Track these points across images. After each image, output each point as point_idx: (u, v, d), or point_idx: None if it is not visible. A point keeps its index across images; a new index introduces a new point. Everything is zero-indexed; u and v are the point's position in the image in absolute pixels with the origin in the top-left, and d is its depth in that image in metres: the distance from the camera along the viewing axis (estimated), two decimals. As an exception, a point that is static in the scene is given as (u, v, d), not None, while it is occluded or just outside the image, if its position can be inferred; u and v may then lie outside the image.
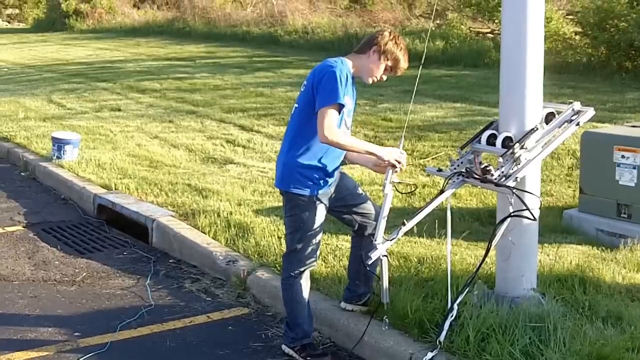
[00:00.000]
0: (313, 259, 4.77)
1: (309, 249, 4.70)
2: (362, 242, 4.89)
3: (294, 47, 23.46)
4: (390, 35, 4.68)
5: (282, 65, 19.08)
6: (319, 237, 4.74)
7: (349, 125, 4.69)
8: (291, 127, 4.71)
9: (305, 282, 4.80)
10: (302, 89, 4.66)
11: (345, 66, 4.55)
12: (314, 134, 4.52)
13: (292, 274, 4.77)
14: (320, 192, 4.65)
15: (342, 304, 5.13)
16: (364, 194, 4.94)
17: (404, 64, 4.69)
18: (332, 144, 4.49)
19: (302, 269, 4.75)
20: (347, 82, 4.50)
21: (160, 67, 19.52)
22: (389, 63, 4.65)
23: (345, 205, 4.85)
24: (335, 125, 4.43)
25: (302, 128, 4.61)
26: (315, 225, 4.68)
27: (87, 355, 4.79)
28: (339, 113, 4.48)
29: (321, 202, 4.68)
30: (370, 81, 4.71)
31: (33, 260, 6.57)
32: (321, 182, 4.64)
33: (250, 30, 26.38)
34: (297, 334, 4.82)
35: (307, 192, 4.62)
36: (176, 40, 27.01)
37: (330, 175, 4.68)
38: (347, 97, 4.53)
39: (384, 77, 4.72)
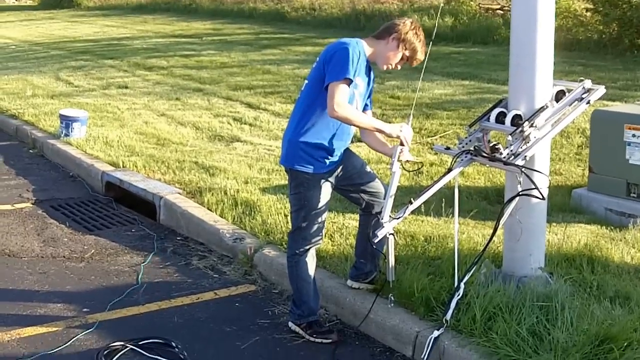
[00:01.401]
0: (318, 237, 4.77)
1: (314, 227, 4.70)
2: (370, 220, 4.87)
3: (301, 24, 23.37)
4: (411, 25, 4.65)
5: (289, 43, 19.01)
6: (324, 215, 4.73)
7: (360, 107, 4.65)
8: (299, 104, 4.69)
9: (310, 260, 4.80)
10: (313, 66, 4.64)
11: (359, 46, 4.52)
12: (321, 112, 4.51)
13: (298, 252, 4.77)
14: (325, 170, 4.65)
15: (349, 282, 5.13)
16: (371, 172, 4.93)
17: (420, 55, 4.67)
18: (340, 119, 4.47)
19: (307, 247, 4.76)
20: (359, 61, 4.47)
21: (166, 45, 19.48)
22: (407, 52, 4.63)
23: (353, 184, 4.84)
24: (344, 100, 4.41)
25: (310, 105, 4.60)
26: (320, 204, 4.67)
27: (96, 331, 4.81)
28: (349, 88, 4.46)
29: (326, 180, 4.68)
30: (385, 67, 4.69)
31: (42, 236, 6.58)
32: (326, 160, 4.63)
33: (257, 6, 26.27)
34: (303, 311, 4.84)
35: (311, 169, 4.61)
36: (183, 17, 26.94)
37: (336, 153, 4.67)
38: (359, 78, 4.52)
39: (399, 66, 4.69)
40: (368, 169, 4.92)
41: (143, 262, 6.01)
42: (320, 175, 4.65)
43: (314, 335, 4.78)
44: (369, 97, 4.77)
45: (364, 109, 4.75)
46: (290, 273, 4.86)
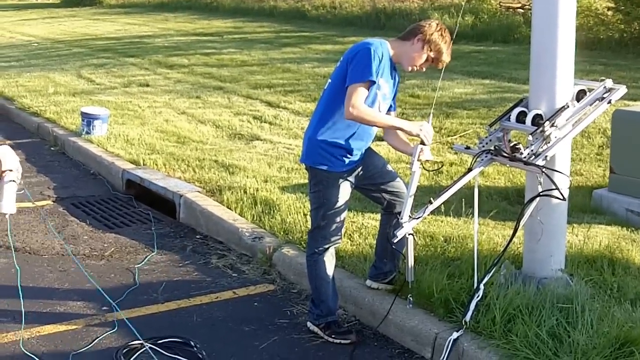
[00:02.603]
0: (337, 237, 4.77)
1: (333, 226, 4.70)
2: (391, 220, 4.87)
3: (321, 22, 23.36)
4: (437, 26, 4.63)
5: (309, 41, 19.01)
6: (343, 214, 4.72)
7: (383, 109, 4.63)
8: (321, 103, 4.70)
9: (329, 259, 4.80)
10: (337, 65, 4.65)
11: (383, 47, 4.52)
12: (342, 111, 4.50)
13: (317, 251, 4.77)
14: (344, 168, 4.65)
15: (368, 282, 5.12)
16: (392, 171, 4.91)
17: (446, 57, 4.64)
18: (356, 120, 4.47)
19: (326, 246, 4.75)
20: (382, 62, 4.47)
21: (188, 43, 19.53)
22: (432, 54, 4.60)
23: (374, 183, 4.82)
24: (361, 101, 4.41)
25: (331, 104, 4.61)
26: (339, 202, 4.67)
27: (115, 329, 4.83)
28: (369, 90, 4.46)
29: (346, 179, 4.67)
30: (410, 69, 4.67)
31: (62, 234, 6.62)
32: (346, 159, 4.63)
33: (277, 5, 26.30)
34: (321, 310, 4.83)
35: (330, 167, 4.62)
36: (204, 15, 27.00)
37: (356, 153, 4.66)
38: (382, 80, 4.52)
39: (424, 68, 4.67)
40: (389, 168, 4.90)
41: (139, 263, 6.03)
42: (339, 174, 4.64)
43: (333, 336, 4.78)
44: (393, 98, 4.76)
45: (389, 110, 4.74)
46: (310, 272, 4.86)
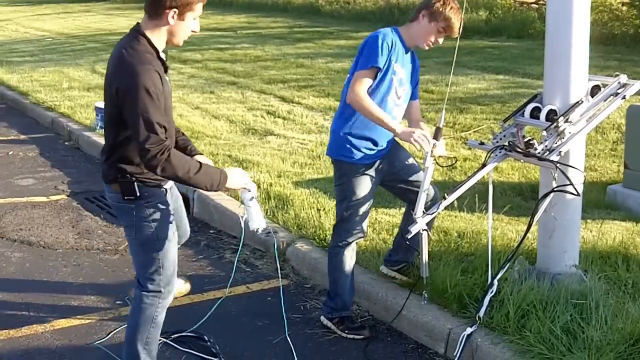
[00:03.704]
0: (359, 230, 4.76)
1: (356, 219, 4.70)
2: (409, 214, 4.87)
3: (335, 17, 23.34)
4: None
5: (323, 36, 19.00)
6: (365, 207, 4.71)
7: (401, 94, 4.63)
8: (342, 97, 4.72)
9: (350, 254, 4.80)
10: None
11: (393, 34, 4.54)
12: None
13: (339, 244, 4.78)
14: (368, 161, 4.65)
15: (381, 267, 5.18)
16: (416, 165, 4.88)
17: (456, 22, 4.58)
18: (354, 107, 4.50)
19: (349, 240, 4.76)
20: (393, 48, 4.48)
21: (201, 38, 19.52)
22: (441, 24, 4.57)
23: (399, 179, 4.83)
24: (362, 89, 4.46)
25: None
26: (362, 195, 4.67)
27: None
28: (376, 77, 4.48)
29: (369, 172, 4.68)
30: (426, 46, 4.64)
31: (77, 229, 6.65)
32: (369, 151, 4.64)
33: (291, 0, 26.28)
34: (336, 304, 4.85)
35: (353, 160, 4.63)
36: (218, 11, 27.01)
37: (380, 145, 4.66)
38: (397, 65, 4.52)
39: (440, 40, 4.63)
40: (412, 161, 4.88)
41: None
42: (362, 166, 4.65)
43: (346, 331, 4.79)
44: (415, 86, 4.78)
45: (411, 99, 4.76)
46: (330, 264, 4.87)
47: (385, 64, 4.47)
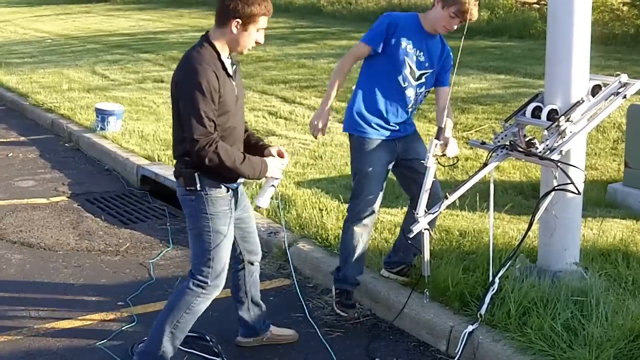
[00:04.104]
0: (370, 209, 4.84)
1: (366, 196, 4.80)
2: (411, 214, 4.90)
3: (337, 17, 23.34)
4: None
5: (324, 37, 19.00)
6: (375, 183, 4.81)
7: (419, 76, 4.78)
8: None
9: (361, 230, 4.88)
10: None
11: (405, 17, 4.81)
12: (367, 80, 4.83)
13: (350, 219, 4.90)
14: (377, 137, 4.79)
15: (382, 271, 5.22)
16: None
17: (468, 6, 4.68)
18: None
19: (360, 216, 4.85)
20: (395, 28, 4.70)
21: (202, 39, 19.53)
22: (452, 10, 4.67)
23: (409, 168, 4.91)
24: (348, 55, 4.90)
25: (362, 75, 4.87)
26: (373, 171, 4.78)
27: (130, 325, 4.86)
28: (369, 54, 4.79)
29: (380, 149, 4.79)
30: (444, 31, 4.78)
31: (77, 230, 6.66)
32: (380, 128, 4.79)
33: (293, 0, 26.27)
34: (339, 274, 4.99)
35: (363, 134, 4.81)
36: (218, 12, 26.98)
37: (391, 123, 4.80)
38: (409, 45, 4.72)
39: (454, 25, 4.74)
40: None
41: (154, 258, 6.06)
42: (372, 141, 4.80)
43: (337, 305, 4.93)
44: (444, 73, 4.90)
45: (437, 84, 4.90)
46: (342, 236, 5.02)
47: (379, 39, 4.72)
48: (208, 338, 4.64)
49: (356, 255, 4.91)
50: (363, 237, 4.91)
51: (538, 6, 19.24)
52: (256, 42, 4.11)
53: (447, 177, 7.43)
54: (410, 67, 4.72)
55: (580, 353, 3.94)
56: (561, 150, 4.34)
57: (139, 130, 9.55)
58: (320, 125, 4.90)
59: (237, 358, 4.51)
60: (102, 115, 9.64)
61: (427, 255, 4.53)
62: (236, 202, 4.23)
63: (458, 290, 4.71)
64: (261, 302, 4.60)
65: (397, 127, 4.82)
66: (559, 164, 4.31)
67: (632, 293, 4.59)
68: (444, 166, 6.33)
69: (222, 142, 3.90)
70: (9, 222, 6.81)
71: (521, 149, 4.52)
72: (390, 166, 4.89)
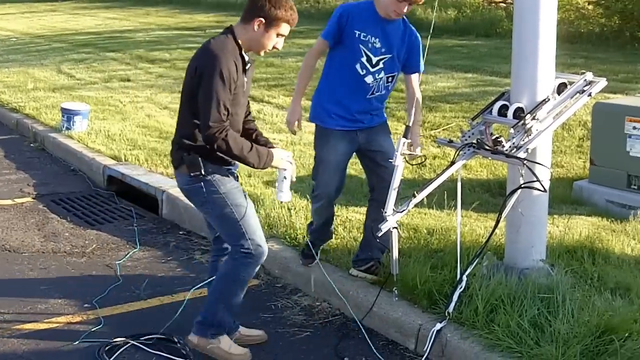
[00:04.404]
0: (325, 193, 5.04)
1: (322, 182, 5.01)
2: (373, 212, 4.98)
3: (305, 16, 23.25)
4: None
5: (292, 35, 18.75)
6: (330, 170, 4.98)
7: (378, 62, 4.86)
8: None
9: (323, 207, 5.11)
10: None
11: (357, 5, 4.94)
12: (329, 72, 4.99)
13: (312, 202, 5.20)
14: (337, 127, 4.92)
15: (350, 270, 5.25)
16: (390, 162, 4.95)
17: None
18: None
19: (317, 199, 5.09)
20: (347, 18, 4.83)
21: (169, 37, 19.45)
22: None
23: (370, 159, 5.05)
24: (310, 51, 5.08)
25: (324, 68, 5.08)
26: (328, 158, 4.96)
27: (97, 327, 4.81)
28: (326, 47, 4.97)
29: (340, 139, 4.93)
30: (393, 15, 4.81)
31: (43, 231, 6.59)
32: (340, 118, 4.91)
33: (260, -1, 26.18)
34: (309, 228, 5.38)
35: (323, 124, 4.99)
36: (186, 10, 26.89)
37: (351, 113, 4.90)
38: (365, 34, 4.83)
39: (403, 9, 4.79)
40: (389, 149, 4.99)
41: (121, 259, 6.02)
42: (331, 131, 4.95)
43: (300, 255, 5.39)
44: (410, 57, 4.97)
45: (405, 71, 5.01)
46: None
47: (335, 34, 4.86)
48: (176, 340, 4.61)
49: (315, 225, 5.25)
50: (324, 212, 5.15)
51: (504, 5, 19.37)
52: (274, 47, 4.18)
53: (415, 175, 7.46)
54: (367, 54, 4.83)
55: (547, 350, 3.97)
56: (527, 148, 4.37)
57: (105, 130, 9.47)
58: (294, 122, 5.02)
59: (205, 359, 4.48)
60: (68, 115, 9.55)
61: (395, 253, 4.54)
62: None
63: (426, 288, 4.72)
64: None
65: (359, 117, 4.92)
66: (525, 161, 4.33)
67: (598, 289, 4.64)
68: (412, 164, 6.33)
69: (232, 131, 4.03)
70: (-27, 224, 6.73)
71: (488, 147, 4.54)
72: (351, 156, 5.06)
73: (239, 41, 4.10)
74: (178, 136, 4.24)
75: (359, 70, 4.84)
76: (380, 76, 4.89)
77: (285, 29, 4.13)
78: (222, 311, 4.37)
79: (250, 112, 4.45)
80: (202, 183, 4.18)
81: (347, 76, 4.87)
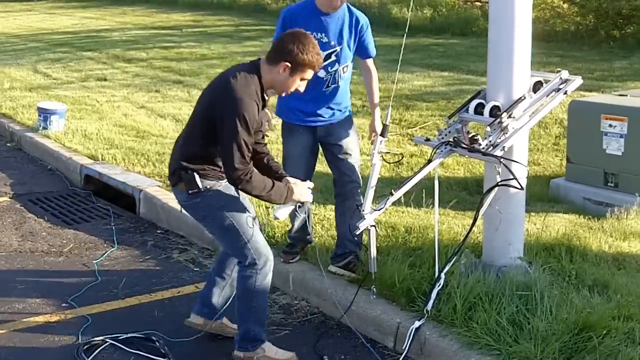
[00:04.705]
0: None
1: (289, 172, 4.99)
2: (340, 208, 5.23)
3: (281, 15, 23.25)
4: None
5: (269, 34, 18.76)
6: (293, 163, 5.13)
7: (333, 58, 5.00)
8: None
9: None
10: None
11: (298, 5, 5.12)
12: None
13: None
14: (298, 122, 5.13)
15: (329, 267, 5.26)
16: (353, 154, 5.17)
17: None
18: None
19: None
20: (290, 20, 5.01)
21: (146, 36, 19.37)
22: None
23: (329, 151, 5.20)
24: None
25: None
26: (290, 151, 5.15)
27: (75, 326, 4.79)
28: None
29: (302, 132, 5.12)
30: (331, 9, 4.95)
31: (20, 231, 6.54)
32: (300, 113, 5.10)
33: (237, -2, 26.18)
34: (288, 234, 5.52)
35: (285, 119, 5.23)
36: (162, 9, 26.79)
37: (311, 109, 5.06)
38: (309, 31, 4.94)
39: (338, 2, 4.94)
40: (352, 148, 5.16)
41: (99, 259, 6.00)
42: (293, 126, 5.17)
43: (281, 253, 5.42)
44: (363, 42, 5.09)
45: (360, 56, 5.16)
46: None
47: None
48: (154, 339, 4.60)
49: (298, 226, 5.33)
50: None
51: (480, 4, 19.44)
52: (296, 89, 4.24)
53: (392, 173, 7.48)
54: None
55: (525, 347, 3.99)
56: (504, 146, 4.39)
57: (82, 130, 9.42)
58: (265, 123, 4.97)
59: (184, 358, 4.47)
60: (45, 114, 9.48)
61: (373, 251, 4.55)
62: None
63: (405, 286, 4.73)
64: (235, 287, 4.56)
65: (319, 112, 5.08)
66: (501, 159, 4.35)
67: (576, 287, 4.66)
68: (389, 163, 6.37)
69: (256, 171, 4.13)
70: (-51, 224, 6.67)
71: (465, 146, 4.56)
72: (316, 149, 5.23)
73: (263, 82, 4.14)
74: (179, 153, 4.27)
75: None
76: (334, 69, 5.03)
77: (309, 74, 4.20)
78: (253, 325, 4.36)
79: (263, 136, 4.51)
80: (200, 199, 4.22)
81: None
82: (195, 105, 4.30)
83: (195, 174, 4.16)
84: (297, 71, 4.12)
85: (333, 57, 4.99)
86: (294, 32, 4.22)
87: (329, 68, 4.99)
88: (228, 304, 4.61)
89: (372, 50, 5.17)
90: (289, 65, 4.08)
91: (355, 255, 5.18)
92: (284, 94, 4.27)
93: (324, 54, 4.87)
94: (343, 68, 5.07)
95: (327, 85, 5.05)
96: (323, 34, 4.96)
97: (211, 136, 4.11)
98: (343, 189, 5.17)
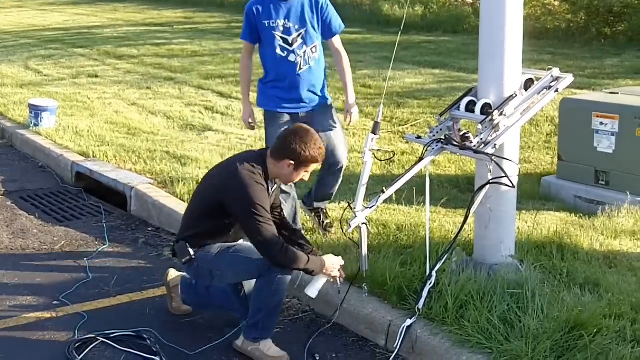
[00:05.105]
0: None
1: None
2: (322, 174, 5.64)
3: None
4: None
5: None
6: None
7: (294, 41, 5.33)
8: None
9: None
10: None
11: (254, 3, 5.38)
12: (262, 62, 5.58)
13: None
14: (278, 109, 5.44)
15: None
16: (330, 135, 5.42)
17: None
18: None
19: None
20: (255, 13, 5.35)
21: (137, 33, 19.32)
22: None
23: None
24: (242, 52, 5.73)
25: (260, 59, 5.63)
26: (274, 138, 5.10)
27: (67, 324, 4.78)
28: (250, 46, 5.60)
29: (280, 119, 5.46)
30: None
31: (11, 228, 6.52)
32: (279, 100, 5.43)
33: (228, -5, 26.12)
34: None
35: (266, 107, 5.52)
36: (153, 6, 26.71)
37: (289, 97, 5.38)
38: (270, 20, 5.34)
39: None
40: (331, 130, 5.44)
41: (90, 256, 5.99)
42: (274, 113, 5.46)
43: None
44: (325, 20, 5.38)
45: (325, 37, 5.45)
46: None
47: (250, 32, 5.44)
48: (146, 336, 4.59)
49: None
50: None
51: (471, 1, 19.45)
52: (301, 179, 4.51)
53: (383, 171, 7.48)
54: (281, 37, 5.30)
55: (517, 345, 4.00)
56: (495, 144, 4.40)
57: (73, 126, 9.39)
58: (248, 119, 5.55)
59: (175, 356, 4.46)
60: (36, 111, 9.45)
61: (364, 249, 4.56)
62: None
63: (396, 284, 4.74)
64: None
65: (297, 96, 5.39)
66: (493, 157, 4.36)
67: (567, 285, 4.68)
68: (380, 160, 6.37)
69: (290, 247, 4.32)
70: (-61, 222, 6.64)
71: (456, 143, 4.56)
72: None
73: (268, 172, 4.40)
74: (186, 229, 4.56)
75: (281, 53, 5.35)
76: (302, 50, 5.36)
77: (313, 166, 4.46)
78: (264, 318, 4.47)
79: (280, 212, 4.70)
80: (196, 263, 4.48)
81: (273, 60, 5.40)
82: (200, 186, 4.66)
83: (185, 243, 4.47)
84: (301, 167, 4.39)
85: (300, 40, 5.30)
86: (296, 131, 4.43)
87: (298, 51, 5.34)
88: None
89: (336, 27, 5.44)
90: (293, 163, 4.35)
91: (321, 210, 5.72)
92: (288, 183, 4.68)
93: (289, 39, 5.30)
94: (311, 48, 5.36)
95: (300, 67, 5.37)
96: (287, 20, 5.29)
97: (215, 215, 4.40)
98: (329, 168, 5.52)
